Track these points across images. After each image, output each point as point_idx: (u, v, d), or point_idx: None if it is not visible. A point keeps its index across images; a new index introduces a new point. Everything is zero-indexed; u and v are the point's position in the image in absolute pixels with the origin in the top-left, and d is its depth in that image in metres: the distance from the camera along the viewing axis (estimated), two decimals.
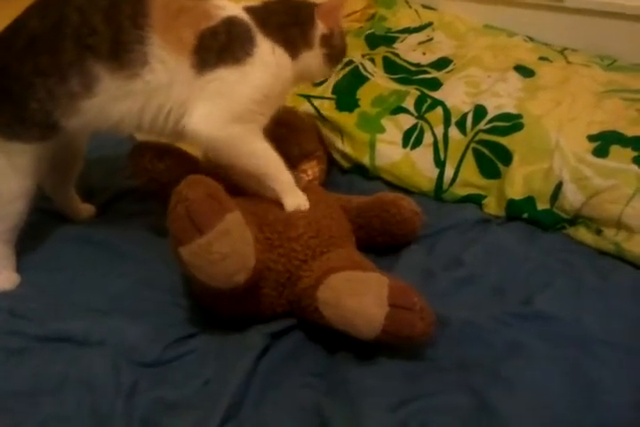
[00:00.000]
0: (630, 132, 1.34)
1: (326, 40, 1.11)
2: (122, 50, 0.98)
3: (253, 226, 1.00)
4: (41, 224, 1.25)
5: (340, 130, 1.51)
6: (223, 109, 1.03)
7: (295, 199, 1.11)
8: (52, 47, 1.00)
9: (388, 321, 0.93)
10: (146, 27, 0.99)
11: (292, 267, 1.04)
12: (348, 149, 1.51)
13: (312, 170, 1.28)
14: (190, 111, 1.03)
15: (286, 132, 1.23)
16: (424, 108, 1.49)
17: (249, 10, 1.07)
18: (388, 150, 1.47)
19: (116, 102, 1.02)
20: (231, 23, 1.03)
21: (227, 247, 0.92)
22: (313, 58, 1.11)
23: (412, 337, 0.95)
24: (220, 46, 1.01)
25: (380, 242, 1.23)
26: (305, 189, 1.15)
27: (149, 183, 1.21)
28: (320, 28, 1.10)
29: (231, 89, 1.02)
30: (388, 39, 1.73)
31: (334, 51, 1.13)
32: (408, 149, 1.46)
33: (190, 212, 0.92)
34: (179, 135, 1.06)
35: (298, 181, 1.17)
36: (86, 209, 1.34)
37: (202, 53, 1.01)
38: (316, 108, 1.54)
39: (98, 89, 1.00)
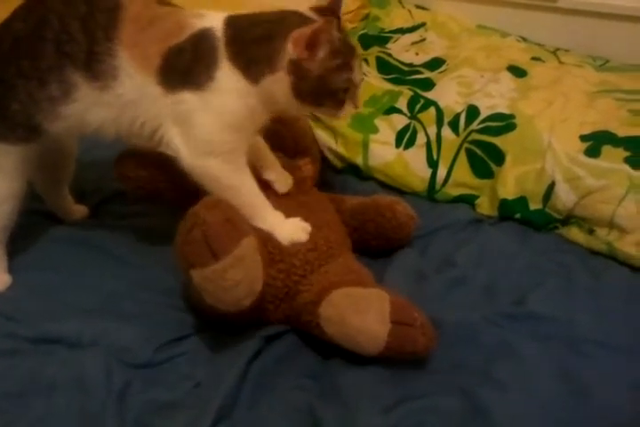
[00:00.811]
0: (622, 132, 1.34)
1: (293, 67, 0.95)
2: (95, 60, 0.97)
3: (259, 242, 0.99)
4: (33, 225, 1.25)
5: (333, 130, 1.51)
6: (193, 140, 0.98)
7: (288, 232, 1.06)
8: (32, 51, 0.99)
9: (390, 338, 0.93)
10: (115, 39, 0.96)
11: (291, 282, 1.04)
12: (341, 149, 1.51)
13: (306, 167, 1.27)
14: (169, 136, 0.99)
15: (281, 127, 1.22)
16: (417, 108, 1.49)
17: (230, 20, 0.99)
18: (382, 150, 1.47)
19: (94, 110, 1.01)
20: (200, 39, 0.96)
21: (240, 274, 0.91)
22: (278, 83, 0.96)
23: (414, 353, 0.95)
24: (184, 66, 0.96)
25: (374, 245, 1.22)
26: (300, 192, 1.14)
27: (136, 191, 1.19)
28: (288, 51, 0.94)
29: (195, 116, 0.97)
30: (381, 39, 1.73)
31: (303, 84, 0.96)
32: (401, 149, 1.46)
33: (207, 237, 0.90)
34: (157, 144, 1.03)
35: (295, 170, 1.16)
36: (79, 210, 1.33)
37: (167, 73, 0.96)
38: None
39: (76, 96, 0.99)
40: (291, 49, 0.94)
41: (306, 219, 1.09)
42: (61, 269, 1.18)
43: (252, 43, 0.96)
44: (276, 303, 1.04)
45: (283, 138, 1.25)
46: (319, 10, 1.00)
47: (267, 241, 1.03)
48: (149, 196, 1.19)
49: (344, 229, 1.18)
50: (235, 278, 0.91)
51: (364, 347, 0.95)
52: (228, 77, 0.96)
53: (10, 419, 0.89)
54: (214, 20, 0.98)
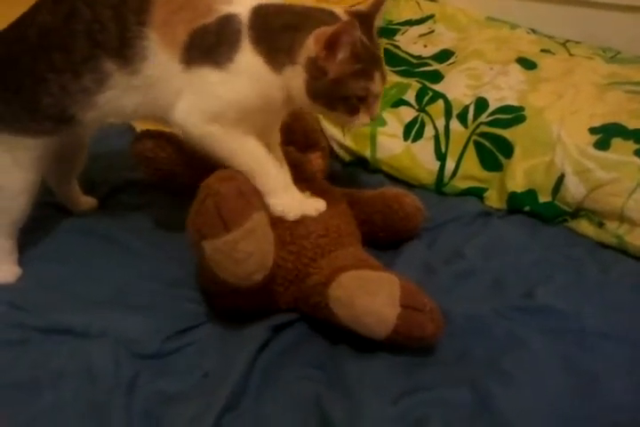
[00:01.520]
0: (632, 124, 1.33)
1: (310, 64, 0.93)
2: (126, 45, 0.98)
3: (270, 221, 0.98)
4: (43, 217, 1.25)
5: None
6: (202, 107, 0.99)
7: (281, 203, 1.03)
8: (64, 43, 0.99)
9: (399, 321, 0.93)
10: (146, 23, 0.97)
11: (301, 265, 1.04)
12: (348, 141, 1.51)
13: (317, 161, 1.27)
14: (176, 103, 1.00)
15: (291, 122, 1.22)
16: (425, 100, 1.48)
17: (258, 7, 0.98)
18: (389, 143, 1.47)
19: (126, 95, 1.02)
20: (225, 22, 0.97)
21: (251, 246, 0.91)
22: (295, 76, 0.95)
23: (422, 338, 0.95)
24: (207, 47, 0.97)
25: (383, 237, 1.22)
26: (310, 186, 1.14)
27: (153, 173, 1.20)
28: (309, 47, 0.93)
29: (211, 89, 0.97)
30: (389, 31, 1.72)
31: (318, 83, 0.94)
32: (409, 141, 1.46)
33: (220, 208, 0.91)
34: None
35: (306, 164, 1.16)
36: (88, 202, 1.34)
37: (190, 50, 0.97)
38: None
39: (110, 84, 1.00)
40: (311, 46, 0.93)
41: None
42: (70, 261, 1.18)
43: (277, 30, 0.96)
44: (285, 285, 1.04)
45: (293, 132, 1.25)
46: (355, 14, 0.98)
47: (277, 222, 1.03)
48: (164, 179, 1.19)
49: (354, 223, 1.18)
50: (246, 250, 0.91)
51: (372, 329, 0.94)
52: (248, 61, 0.96)
53: (18, 409, 0.89)
54: (242, 7, 0.98)
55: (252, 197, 0.95)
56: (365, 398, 0.90)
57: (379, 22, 1.00)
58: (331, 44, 0.92)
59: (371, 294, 0.95)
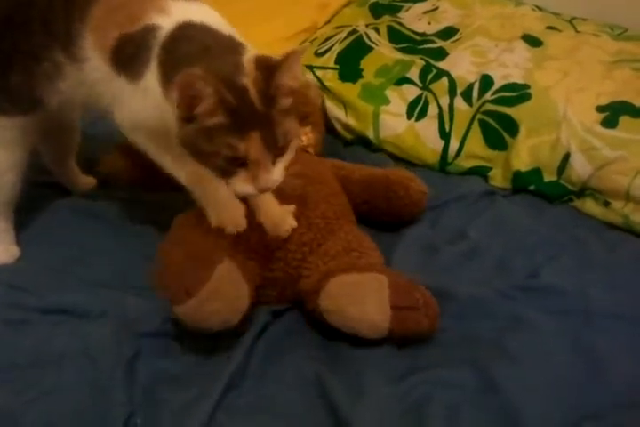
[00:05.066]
0: None
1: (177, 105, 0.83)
2: (70, 43, 0.97)
3: (241, 254, 0.97)
4: (42, 198, 1.24)
5: (343, 101, 1.49)
6: (124, 115, 0.97)
7: (219, 217, 0.97)
8: (24, 27, 0.99)
9: (392, 324, 0.93)
10: (86, 21, 0.95)
11: (291, 268, 1.03)
12: (351, 120, 1.48)
13: (306, 136, 1.24)
14: (115, 106, 0.99)
15: None
16: (429, 78, 1.46)
17: (180, 28, 0.90)
18: (393, 122, 1.44)
19: (78, 87, 1.01)
20: (146, 35, 0.91)
21: (217, 304, 0.90)
22: (172, 113, 0.85)
23: (419, 333, 0.95)
24: (127, 57, 0.93)
25: (385, 220, 1.21)
26: (298, 162, 1.11)
27: (126, 186, 1.20)
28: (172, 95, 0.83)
29: (127, 101, 0.95)
30: (392, 8, 1.69)
31: (183, 128, 0.84)
32: (412, 120, 1.44)
33: (177, 276, 0.91)
34: None
35: None
36: (87, 181, 1.32)
37: (115, 58, 0.94)
38: (318, 78, 1.51)
39: (65, 74, 1.00)
40: (174, 95, 0.82)
41: (303, 191, 1.07)
42: (69, 241, 1.17)
43: (176, 59, 0.87)
44: (278, 290, 1.04)
45: None
46: (261, 61, 0.84)
47: (251, 245, 1.01)
48: (142, 186, 1.20)
49: (345, 202, 1.15)
50: (213, 308, 0.90)
51: (366, 334, 0.94)
52: (153, 82, 0.90)
53: (20, 389, 0.89)
54: (170, 20, 0.91)
55: (205, 254, 0.93)
56: (368, 377, 0.90)
57: (290, 81, 0.83)
58: (187, 90, 0.80)
59: (359, 304, 0.94)
